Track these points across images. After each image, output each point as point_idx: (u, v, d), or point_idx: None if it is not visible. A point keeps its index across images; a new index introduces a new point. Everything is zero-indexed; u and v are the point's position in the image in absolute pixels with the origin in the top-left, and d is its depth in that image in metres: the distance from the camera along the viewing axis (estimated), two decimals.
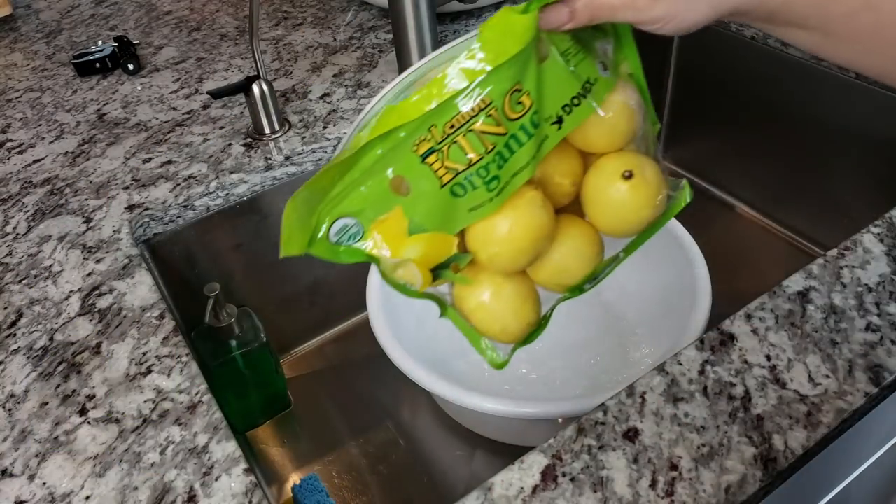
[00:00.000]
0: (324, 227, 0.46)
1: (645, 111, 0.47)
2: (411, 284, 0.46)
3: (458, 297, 0.48)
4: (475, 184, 0.43)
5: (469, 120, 0.41)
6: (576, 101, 0.44)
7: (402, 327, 0.75)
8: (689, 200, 0.48)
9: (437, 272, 0.46)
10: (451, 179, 0.42)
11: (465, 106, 0.41)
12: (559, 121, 0.43)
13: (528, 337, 0.49)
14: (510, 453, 0.64)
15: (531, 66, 0.41)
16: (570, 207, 0.48)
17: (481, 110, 0.41)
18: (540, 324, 0.50)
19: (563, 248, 0.47)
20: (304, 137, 0.78)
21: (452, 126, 0.41)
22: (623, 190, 0.45)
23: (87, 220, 0.70)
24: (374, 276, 0.77)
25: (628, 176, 0.45)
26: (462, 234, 0.45)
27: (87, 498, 0.47)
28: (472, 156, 0.42)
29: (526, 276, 0.48)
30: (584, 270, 0.48)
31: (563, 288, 0.49)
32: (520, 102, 0.42)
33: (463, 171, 0.42)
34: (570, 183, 0.47)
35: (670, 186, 0.48)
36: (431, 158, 0.42)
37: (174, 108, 0.84)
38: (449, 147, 0.42)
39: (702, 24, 0.43)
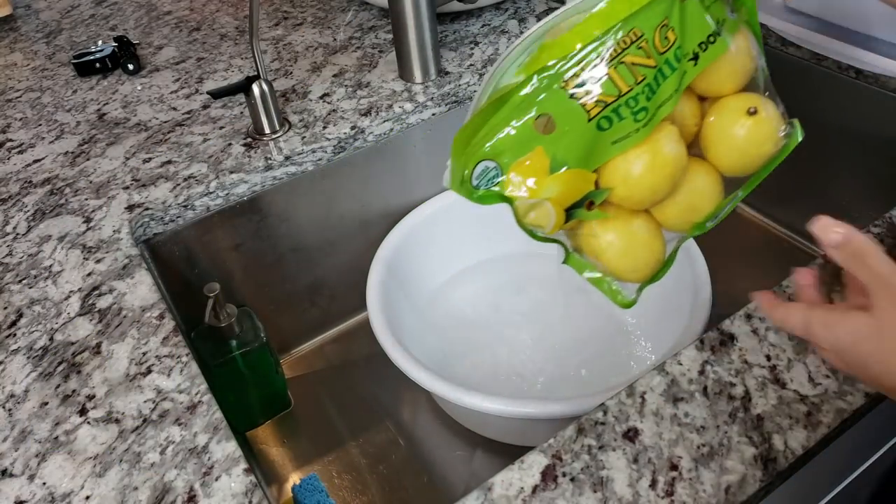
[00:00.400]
0: (467, 171, 0.47)
1: (760, 54, 0.49)
2: (541, 228, 0.48)
3: (587, 237, 0.49)
4: (622, 115, 0.44)
5: (621, 52, 0.43)
6: (711, 40, 0.46)
7: (401, 327, 0.75)
8: (800, 139, 0.49)
9: (570, 212, 0.47)
10: (600, 112, 0.44)
11: (616, 39, 0.43)
12: (695, 57, 0.46)
13: (656, 275, 0.50)
14: (510, 453, 0.64)
15: (676, 4, 0.44)
16: (689, 150, 0.49)
17: (633, 42, 0.43)
18: (666, 262, 0.51)
19: (689, 187, 0.48)
20: (304, 137, 0.78)
21: (604, 59, 0.43)
22: (747, 126, 0.47)
23: (87, 220, 0.70)
24: (374, 276, 0.77)
25: (753, 112, 0.47)
26: (597, 172, 0.47)
27: (87, 498, 0.47)
28: (622, 87, 0.44)
29: (651, 214, 0.50)
30: (708, 208, 0.50)
31: (689, 225, 0.50)
32: (666, 37, 0.44)
33: (612, 103, 0.44)
34: (693, 124, 0.49)
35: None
36: (580, 93, 0.44)
37: (174, 108, 0.84)
38: (601, 80, 0.43)
39: None
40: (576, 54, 0.43)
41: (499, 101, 0.45)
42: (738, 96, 0.48)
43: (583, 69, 0.44)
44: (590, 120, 0.45)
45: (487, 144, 0.46)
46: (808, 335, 0.44)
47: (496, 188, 0.48)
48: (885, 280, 0.42)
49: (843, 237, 0.43)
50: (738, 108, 0.47)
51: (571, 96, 0.44)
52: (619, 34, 0.43)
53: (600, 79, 0.44)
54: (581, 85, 0.44)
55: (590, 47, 0.43)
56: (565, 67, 0.44)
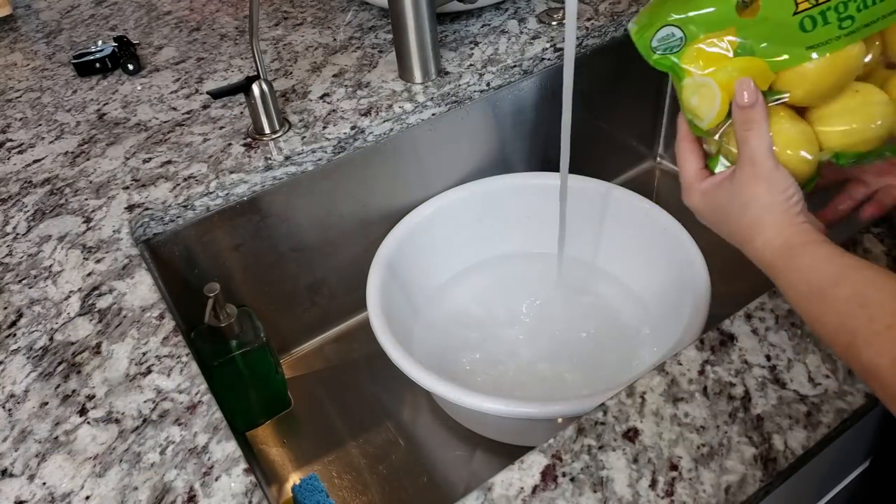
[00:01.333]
0: (654, 30, 0.48)
1: None
2: (700, 119, 0.49)
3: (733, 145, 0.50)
4: (829, 19, 0.44)
5: None
6: None
7: (401, 327, 0.75)
8: None
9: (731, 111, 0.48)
10: (808, 9, 0.44)
11: None
12: None
13: (809, 182, 0.51)
14: (510, 453, 0.64)
15: None
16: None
17: None
18: (816, 174, 0.51)
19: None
20: (304, 137, 0.78)
21: None
22: None
23: (87, 220, 0.70)
24: (374, 276, 0.77)
25: None
26: (778, 75, 0.47)
27: (87, 498, 0.47)
28: None
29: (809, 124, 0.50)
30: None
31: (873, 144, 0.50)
32: None
33: (823, 2, 0.44)
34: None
35: None
36: None
37: (174, 108, 0.84)
38: None
39: None
40: None
41: None
42: None
43: None
44: (795, 13, 0.44)
45: (685, 14, 0.47)
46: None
47: (674, 56, 0.48)
48: (753, 154, 0.47)
49: (749, 102, 0.47)
50: None
51: None
52: None
53: None
54: None
55: None
56: None
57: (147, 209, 0.70)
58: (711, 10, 0.46)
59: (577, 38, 0.90)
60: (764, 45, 0.46)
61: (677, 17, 0.47)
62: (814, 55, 0.45)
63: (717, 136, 0.51)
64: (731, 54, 0.47)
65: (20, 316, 0.61)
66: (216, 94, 0.75)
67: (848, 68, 0.47)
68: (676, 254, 0.77)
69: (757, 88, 0.47)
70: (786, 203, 0.48)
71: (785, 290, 0.48)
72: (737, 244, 0.52)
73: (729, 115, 0.49)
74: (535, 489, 0.45)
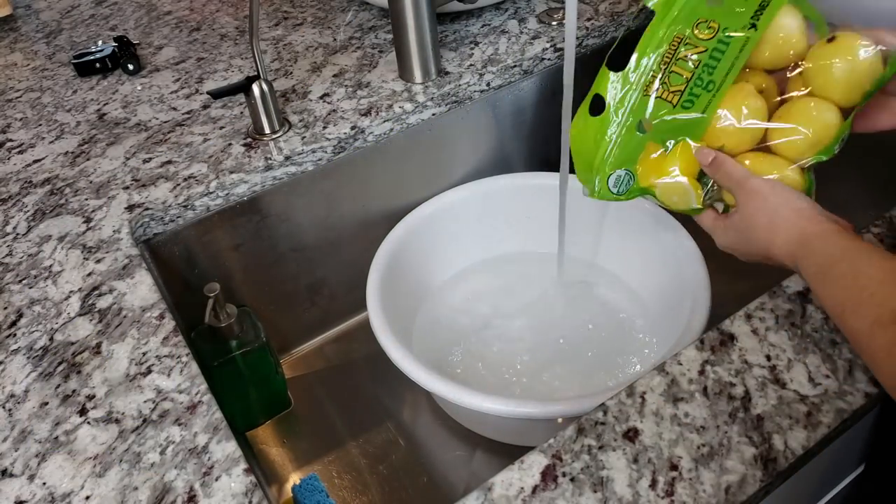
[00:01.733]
0: (604, 183, 0.61)
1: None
2: (689, 204, 0.60)
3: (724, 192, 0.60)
4: (697, 93, 0.57)
5: (673, 54, 0.58)
6: (760, 10, 0.57)
7: (401, 327, 0.75)
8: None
9: (701, 179, 0.60)
10: (680, 98, 0.58)
11: (662, 52, 0.58)
12: (753, 26, 0.57)
13: (808, 189, 0.61)
14: (510, 453, 0.64)
15: (703, 7, 0.58)
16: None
17: (679, 44, 0.58)
18: (807, 180, 0.61)
19: (808, 119, 0.58)
20: (304, 137, 0.78)
21: (666, 62, 0.58)
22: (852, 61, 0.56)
23: (87, 220, 0.70)
24: (374, 276, 0.77)
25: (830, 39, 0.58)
26: (703, 140, 0.59)
27: (87, 498, 0.47)
28: (686, 75, 0.57)
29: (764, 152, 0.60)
30: (831, 133, 0.58)
31: (817, 150, 0.59)
32: (709, 27, 0.58)
33: (685, 88, 0.57)
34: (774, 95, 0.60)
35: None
36: (660, 91, 0.58)
37: (174, 108, 0.84)
38: (668, 77, 0.58)
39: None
40: (642, 70, 0.58)
41: (602, 121, 0.60)
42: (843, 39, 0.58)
43: (653, 76, 0.58)
44: (675, 106, 0.58)
45: (610, 160, 0.60)
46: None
47: (634, 187, 0.60)
48: (739, 182, 0.54)
49: (714, 157, 0.57)
50: (847, 47, 0.57)
51: (656, 97, 0.58)
52: (664, 48, 0.58)
53: (667, 76, 0.58)
54: (658, 87, 0.58)
55: (650, 61, 0.58)
56: (640, 80, 0.58)
57: (147, 209, 0.70)
58: (621, 145, 0.59)
59: (577, 38, 0.90)
60: (677, 133, 0.59)
61: (610, 165, 0.60)
62: (709, 112, 0.58)
63: (710, 201, 0.61)
64: (665, 155, 0.60)
65: (20, 316, 0.61)
66: (216, 94, 0.75)
67: (746, 106, 0.58)
68: (676, 253, 0.77)
69: (710, 148, 0.58)
70: (791, 202, 0.53)
71: (805, 277, 0.50)
72: (767, 257, 0.54)
73: (705, 184, 0.60)
74: (535, 489, 0.45)
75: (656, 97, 0.58)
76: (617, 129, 0.59)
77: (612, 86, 0.59)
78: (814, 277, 0.49)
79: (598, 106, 0.60)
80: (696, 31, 0.58)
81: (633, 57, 0.58)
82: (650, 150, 0.60)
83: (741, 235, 0.56)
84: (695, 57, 0.57)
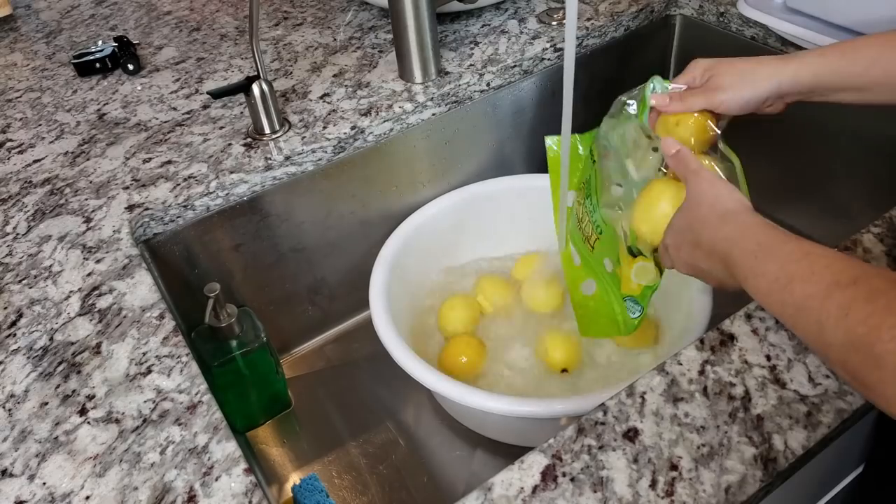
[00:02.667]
0: (624, 321, 0.67)
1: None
2: (654, 284, 0.62)
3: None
4: (600, 228, 0.67)
5: (577, 210, 0.71)
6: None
7: (404, 327, 0.75)
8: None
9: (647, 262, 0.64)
10: (591, 236, 0.69)
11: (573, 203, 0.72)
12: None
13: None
14: (510, 453, 0.64)
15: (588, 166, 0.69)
16: None
17: (579, 203, 0.70)
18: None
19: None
20: (304, 137, 0.78)
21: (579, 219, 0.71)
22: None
23: (87, 220, 0.70)
24: (377, 276, 0.77)
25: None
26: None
27: (87, 498, 0.47)
28: (586, 223, 0.69)
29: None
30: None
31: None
32: (588, 194, 0.69)
33: (591, 231, 0.68)
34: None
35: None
36: (583, 238, 0.71)
37: (174, 108, 0.84)
38: (582, 226, 0.70)
39: (750, 105, 0.61)
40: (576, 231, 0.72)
41: (600, 293, 0.71)
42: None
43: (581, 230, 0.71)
44: (595, 241, 0.68)
45: (618, 312, 0.68)
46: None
47: (643, 302, 0.64)
48: (694, 171, 0.55)
49: (677, 149, 0.58)
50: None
51: (583, 243, 0.71)
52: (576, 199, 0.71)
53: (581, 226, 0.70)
54: (581, 240, 0.71)
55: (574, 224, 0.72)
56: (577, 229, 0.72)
57: (147, 209, 0.70)
58: (610, 292, 0.68)
59: (577, 37, 0.90)
60: (612, 251, 0.66)
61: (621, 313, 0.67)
62: (621, 228, 0.64)
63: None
64: (630, 265, 0.64)
65: (20, 316, 0.61)
66: (216, 94, 0.75)
67: (643, 213, 0.61)
68: None
69: (676, 143, 0.59)
70: (734, 192, 0.54)
71: (741, 255, 0.50)
72: (711, 241, 0.52)
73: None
74: (535, 489, 0.45)
75: (584, 243, 0.70)
76: (602, 286, 0.69)
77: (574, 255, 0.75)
78: (755, 253, 0.48)
79: (589, 287, 0.72)
80: (583, 192, 0.70)
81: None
82: (612, 256, 0.67)
83: (690, 214, 0.54)
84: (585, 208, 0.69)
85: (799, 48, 0.85)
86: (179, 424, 0.51)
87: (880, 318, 0.38)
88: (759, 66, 0.61)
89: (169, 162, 0.76)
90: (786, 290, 0.44)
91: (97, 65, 0.92)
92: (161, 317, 0.59)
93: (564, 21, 0.92)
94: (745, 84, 0.60)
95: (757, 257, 0.47)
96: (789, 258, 0.46)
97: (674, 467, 0.45)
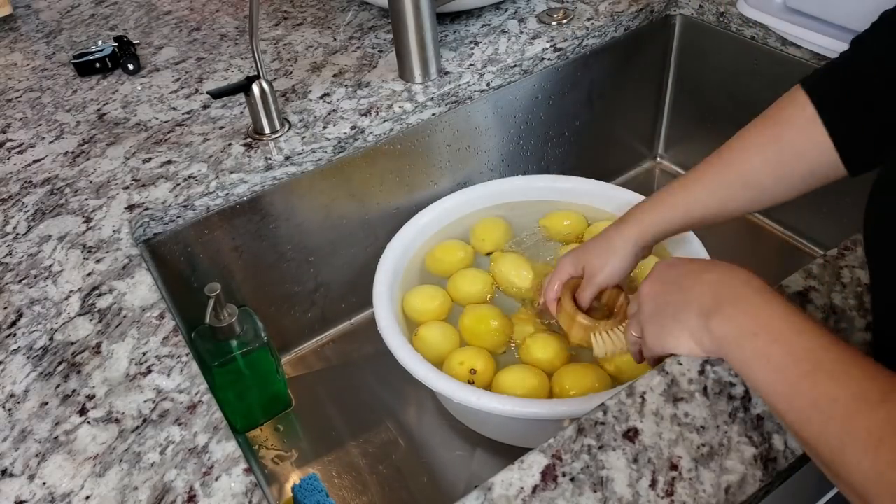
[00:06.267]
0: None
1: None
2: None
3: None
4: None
5: None
6: None
7: (406, 327, 0.75)
8: None
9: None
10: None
11: None
12: None
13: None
14: (510, 453, 0.64)
15: None
16: None
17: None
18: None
19: None
20: (304, 137, 0.78)
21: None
22: None
23: (87, 220, 0.70)
24: (380, 275, 0.77)
25: None
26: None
27: (87, 498, 0.47)
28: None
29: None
30: None
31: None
32: None
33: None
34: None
35: None
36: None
37: (174, 108, 0.84)
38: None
39: (626, 268, 0.66)
40: None
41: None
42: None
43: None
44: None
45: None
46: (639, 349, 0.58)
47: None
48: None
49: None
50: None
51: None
52: None
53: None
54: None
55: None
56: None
57: (147, 209, 0.70)
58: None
59: (578, 37, 0.90)
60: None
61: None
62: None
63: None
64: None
65: (20, 316, 0.61)
66: (216, 94, 0.75)
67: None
68: (680, 253, 0.77)
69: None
70: None
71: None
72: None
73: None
74: (535, 489, 0.45)
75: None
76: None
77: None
78: (755, 333, 0.43)
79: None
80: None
81: None
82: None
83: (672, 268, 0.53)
84: None
85: (799, 48, 0.85)
86: (179, 424, 0.51)
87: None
88: (613, 241, 0.66)
89: (169, 162, 0.76)
90: (806, 380, 0.38)
91: (97, 65, 0.92)
92: (161, 317, 0.59)
93: (564, 21, 0.92)
94: (611, 257, 0.66)
95: (758, 336, 0.42)
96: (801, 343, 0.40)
97: (674, 467, 0.45)
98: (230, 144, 0.77)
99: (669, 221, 0.64)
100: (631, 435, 0.47)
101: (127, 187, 0.73)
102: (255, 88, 0.75)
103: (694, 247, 0.76)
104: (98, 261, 0.65)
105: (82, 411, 0.53)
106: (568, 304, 0.68)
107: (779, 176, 0.58)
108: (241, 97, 0.81)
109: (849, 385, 0.37)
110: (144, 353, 0.56)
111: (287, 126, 0.79)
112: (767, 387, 0.41)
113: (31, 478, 0.49)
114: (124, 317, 0.60)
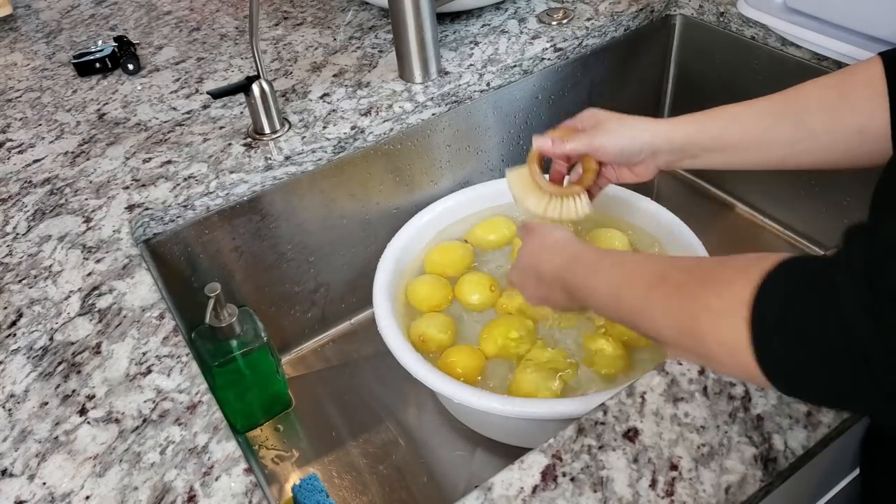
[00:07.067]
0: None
1: None
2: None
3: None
4: None
5: None
6: None
7: (407, 327, 0.75)
8: None
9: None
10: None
11: None
12: None
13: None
14: (510, 453, 0.64)
15: None
16: None
17: None
18: None
19: None
20: (304, 137, 0.78)
21: None
22: None
23: (87, 220, 0.70)
24: (380, 274, 0.77)
25: None
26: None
27: (87, 498, 0.47)
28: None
29: None
30: None
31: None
32: None
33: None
34: None
35: None
36: None
37: (174, 108, 0.85)
38: None
39: (624, 154, 0.65)
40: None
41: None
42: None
43: None
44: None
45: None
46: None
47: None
48: (523, 224, 0.64)
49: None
50: None
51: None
52: None
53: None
54: None
55: None
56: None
57: (147, 209, 0.70)
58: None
59: (578, 37, 0.90)
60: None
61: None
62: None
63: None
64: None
65: (20, 316, 0.61)
66: (216, 94, 0.75)
67: None
68: (681, 253, 0.77)
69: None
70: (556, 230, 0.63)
71: (577, 279, 0.56)
72: (554, 273, 0.59)
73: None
74: (535, 489, 0.45)
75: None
76: None
77: None
78: (585, 274, 0.54)
79: None
80: None
81: None
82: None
83: (527, 252, 0.62)
84: None
85: (799, 48, 0.85)
86: (179, 424, 0.51)
87: (689, 305, 0.42)
88: (639, 121, 0.65)
89: (169, 162, 0.76)
90: (618, 300, 0.49)
91: (97, 65, 0.92)
92: (161, 317, 0.59)
93: (564, 21, 0.92)
94: (624, 133, 0.64)
95: (587, 278, 0.53)
96: (610, 271, 0.51)
97: (674, 467, 0.45)
98: (230, 144, 0.77)
99: (703, 132, 0.61)
100: (631, 435, 0.47)
101: (127, 187, 0.73)
102: (255, 88, 0.75)
103: (694, 246, 0.76)
104: (98, 261, 0.65)
105: (82, 411, 0.53)
106: (534, 166, 0.70)
107: (829, 124, 0.56)
108: (241, 97, 0.81)
109: (639, 284, 0.47)
110: (144, 353, 0.56)
111: (287, 126, 0.79)
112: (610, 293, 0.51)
113: (31, 478, 0.49)
114: (124, 317, 0.60)
